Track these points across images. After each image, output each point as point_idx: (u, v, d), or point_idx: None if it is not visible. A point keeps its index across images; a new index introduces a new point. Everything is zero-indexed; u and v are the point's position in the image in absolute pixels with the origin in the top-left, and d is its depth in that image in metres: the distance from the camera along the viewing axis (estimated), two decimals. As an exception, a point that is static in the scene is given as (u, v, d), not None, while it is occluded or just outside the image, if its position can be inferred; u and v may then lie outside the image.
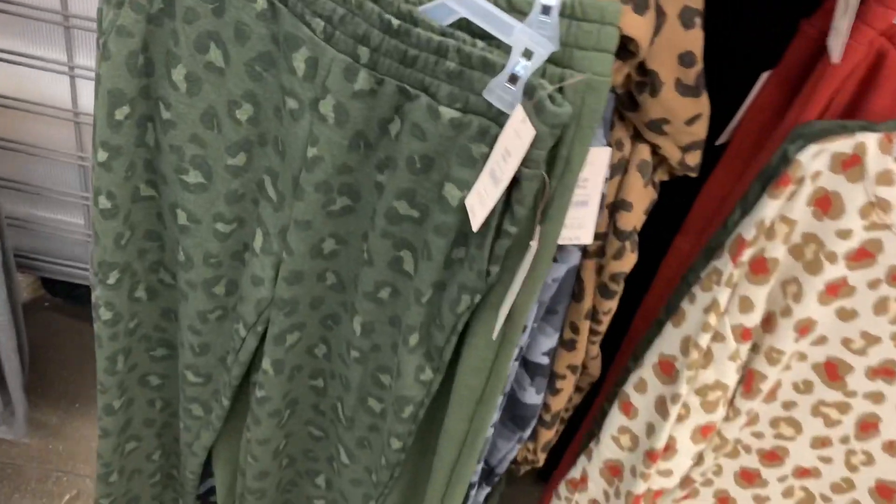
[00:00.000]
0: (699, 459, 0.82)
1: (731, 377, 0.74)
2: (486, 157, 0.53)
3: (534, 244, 0.55)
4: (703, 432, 0.78)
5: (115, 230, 0.71)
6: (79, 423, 1.50)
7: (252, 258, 0.70)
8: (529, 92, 0.49)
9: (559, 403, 0.89)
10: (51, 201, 1.18)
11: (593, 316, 0.83)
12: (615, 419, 0.82)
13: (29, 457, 1.44)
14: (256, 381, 0.76)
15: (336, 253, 0.67)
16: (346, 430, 0.79)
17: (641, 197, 0.74)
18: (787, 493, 0.85)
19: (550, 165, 0.53)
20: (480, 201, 0.53)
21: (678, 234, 0.89)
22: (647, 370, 0.78)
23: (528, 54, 0.48)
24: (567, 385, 0.87)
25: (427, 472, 0.76)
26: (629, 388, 0.80)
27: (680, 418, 0.76)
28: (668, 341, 0.76)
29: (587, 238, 0.70)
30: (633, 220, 0.75)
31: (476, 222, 0.54)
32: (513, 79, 0.49)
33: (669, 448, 0.79)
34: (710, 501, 0.88)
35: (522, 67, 0.49)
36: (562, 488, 0.92)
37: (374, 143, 0.59)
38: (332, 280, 0.70)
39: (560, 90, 0.50)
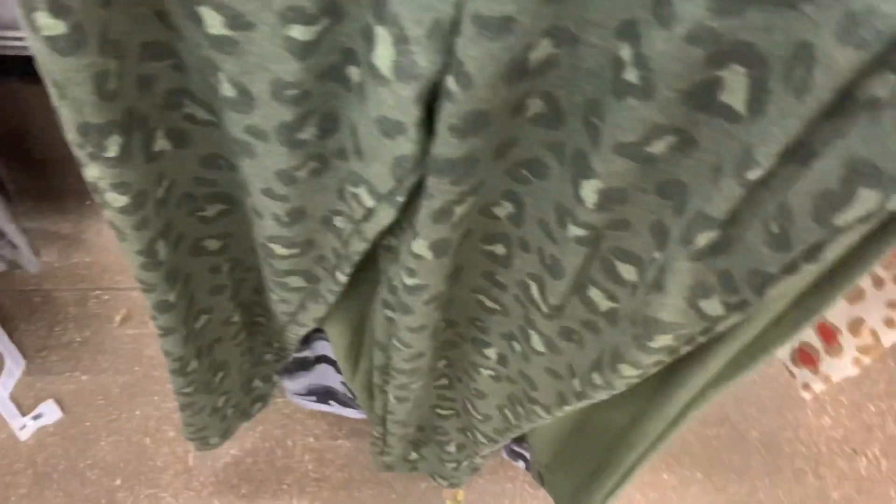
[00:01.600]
0: None
1: None
2: None
3: None
4: None
5: (90, 69, 0.36)
6: (98, 226, 1.23)
7: (374, 83, 0.36)
8: None
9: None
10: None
11: None
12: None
13: (55, 277, 1.19)
14: (404, 265, 0.47)
15: (555, 60, 0.34)
16: (547, 318, 0.51)
17: None
18: None
19: None
20: None
21: None
22: None
23: None
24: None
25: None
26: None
27: None
28: None
29: None
30: None
31: None
32: None
33: None
34: None
35: None
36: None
37: None
38: (536, 108, 0.37)
39: None
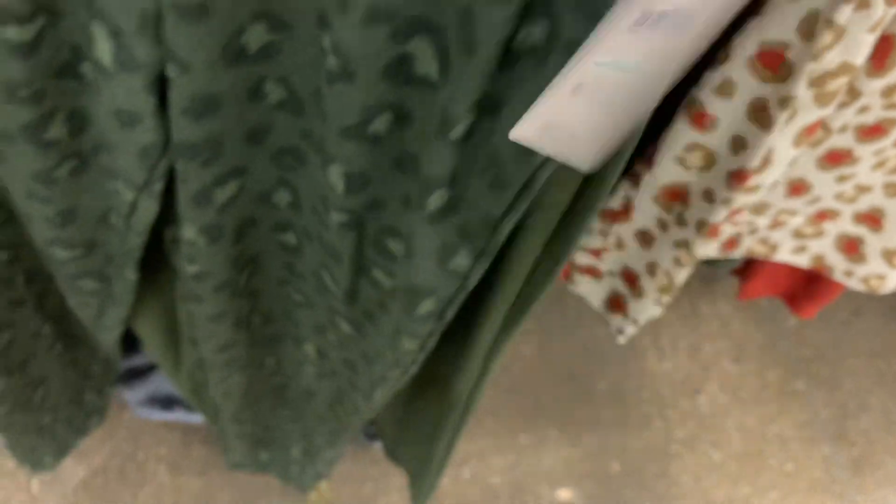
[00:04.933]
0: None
1: (862, 55, 0.51)
2: None
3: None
4: (809, 132, 0.57)
5: None
6: None
7: (103, 78, 0.36)
8: None
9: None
10: None
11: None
12: (681, 134, 0.60)
13: None
14: (182, 253, 0.47)
15: (275, 46, 0.35)
16: (346, 304, 0.53)
17: None
18: (880, 164, 0.68)
19: None
20: None
21: None
22: (736, 67, 0.53)
23: None
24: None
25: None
26: (705, 94, 0.56)
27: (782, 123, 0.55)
28: (776, 23, 0.50)
29: None
30: None
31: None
32: None
33: (766, 162, 0.58)
34: (782, 188, 0.71)
35: None
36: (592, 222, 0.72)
37: None
38: (278, 95, 0.38)
39: None
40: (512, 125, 0.32)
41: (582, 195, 0.40)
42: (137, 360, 0.87)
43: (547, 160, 0.33)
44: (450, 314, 0.45)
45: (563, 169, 0.37)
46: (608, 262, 0.79)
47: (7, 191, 0.50)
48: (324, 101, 0.36)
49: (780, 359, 1.33)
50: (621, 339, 0.83)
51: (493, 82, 0.31)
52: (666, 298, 0.75)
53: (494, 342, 0.55)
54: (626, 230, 0.71)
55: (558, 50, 0.29)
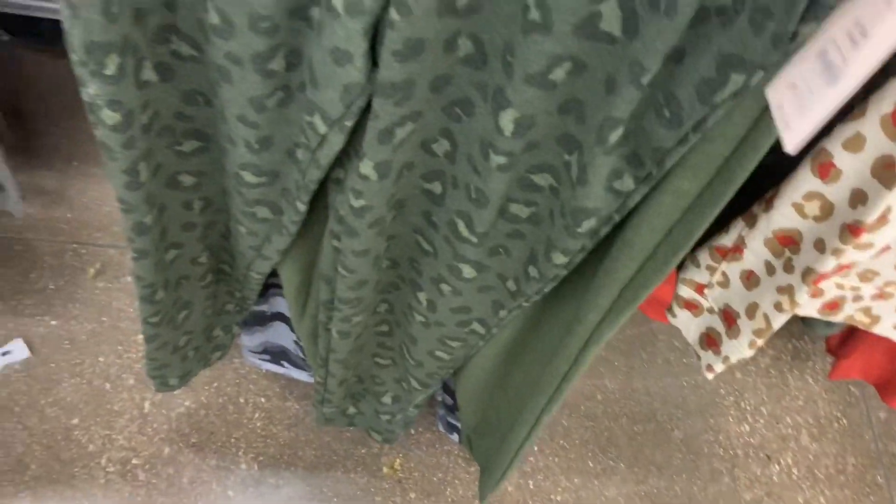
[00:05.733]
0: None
1: None
2: None
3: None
4: (930, 193, 0.60)
5: (101, -7, 0.45)
6: (81, 185, 1.30)
7: (329, 19, 0.45)
8: None
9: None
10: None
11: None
12: (803, 182, 0.64)
13: (35, 228, 1.26)
14: (351, 187, 0.56)
15: (478, 3, 0.43)
16: (476, 247, 0.60)
17: None
18: None
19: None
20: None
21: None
22: (869, 123, 0.57)
23: None
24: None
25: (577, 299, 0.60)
26: (834, 146, 0.60)
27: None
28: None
29: None
30: None
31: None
32: None
33: (882, 219, 0.61)
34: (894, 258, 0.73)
35: None
36: (703, 255, 0.77)
37: None
38: (466, 49, 0.46)
39: None
40: (692, 72, 0.39)
41: (710, 187, 0.45)
42: (263, 307, 0.97)
43: (722, 101, 0.39)
44: (603, 231, 0.51)
45: (700, 155, 0.43)
46: (710, 299, 0.83)
47: (214, 117, 0.60)
48: (514, 51, 0.43)
49: (863, 448, 1.31)
50: (709, 376, 0.86)
51: (683, 37, 0.38)
52: (760, 341, 0.78)
53: (598, 326, 0.60)
54: (733, 268, 0.75)
55: (745, 12, 0.35)
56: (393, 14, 0.42)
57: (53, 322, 1.18)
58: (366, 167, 0.53)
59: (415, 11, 0.41)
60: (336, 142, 0.53)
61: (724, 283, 0.79)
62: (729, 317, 0.81)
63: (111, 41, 0.48)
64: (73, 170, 1.31)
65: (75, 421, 1.10)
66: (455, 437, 1.11)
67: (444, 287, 0.67)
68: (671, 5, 0.37)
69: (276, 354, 1.06)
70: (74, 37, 0.47)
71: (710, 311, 0.84)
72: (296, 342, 1.02)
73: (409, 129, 0.51)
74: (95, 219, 1.27)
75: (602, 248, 0.55)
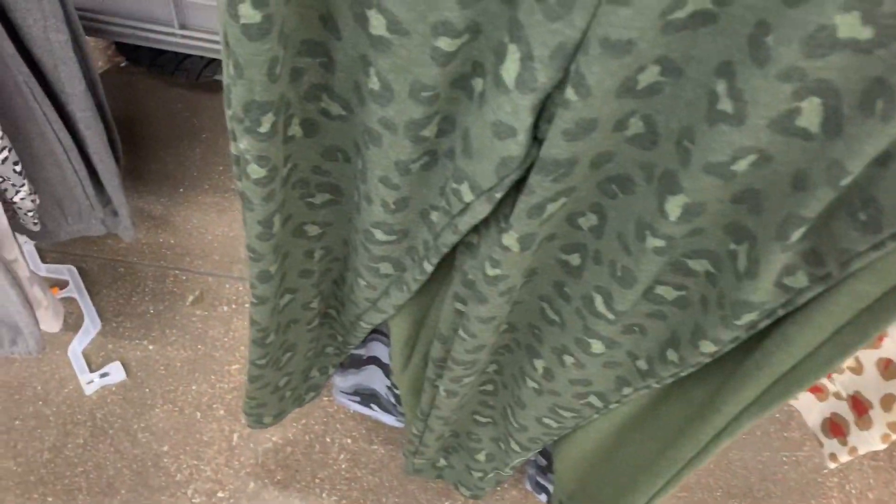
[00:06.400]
0: None
1: None
2: None
3: None
4: None
5: (268, 54, 0.44)
6: (186, 212, 1.33)
7: (495, 92, 0.43)
8: None
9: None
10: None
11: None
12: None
13: (140, 252, 1.29)
14: (489, 255, 0.54)
15: (659, 86, 0.40)
16: (610, 324, 0.57)
17: None
18: None
19: None
20: None
21: None
22: None
23: None
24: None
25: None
26: None
27: None
28: None
29: None
30: None
31: None
32: None
33: None
34: None
35: None
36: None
37: None
38: (636, 129, 0.44)
39: None
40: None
41: (893, 294, 0.42)
42: (360, 350, 0.96)
43: None
44: (762, 325, 0.48)
45: (891, 259, 0.40)
46: (838, 384, 0.78)
47: (351, 174, 0.59)
48: (695, 138, 0.41)
49: (979, 545, 1.21)
50: (831, 465, 0.81)
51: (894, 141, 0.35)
52: (895, 436, 0.73)
53: (737, 417, 0.57)
54: (869, 356, 0.70)
55: None
56: (569, 94, 0.40)
57: (151, 346, 1.20)
58: (509, 239, 0.51)
59: (594, 92, 0.39)
60: (481, 211, 0.51)
61: (857, 370, 0.74)
62: (859, 405, 0.76)
63: (270, 101, 0.48)
64: (179, 196, 1.34)
65: (165, 448, 1.11)
66: (543, 497, 1.07)
67: (567, 358, 0.64)
68: (888, 109, 0.34)
69: (367, 397, 1.05)
70: (235, 95, 0.47)
71: (837, 396, 0.79)
72: (388, 388, 1.01)
73: (561, 203, 0.49)
74: (198, 246, 1.29)
75: (753, 337, 0.52)
